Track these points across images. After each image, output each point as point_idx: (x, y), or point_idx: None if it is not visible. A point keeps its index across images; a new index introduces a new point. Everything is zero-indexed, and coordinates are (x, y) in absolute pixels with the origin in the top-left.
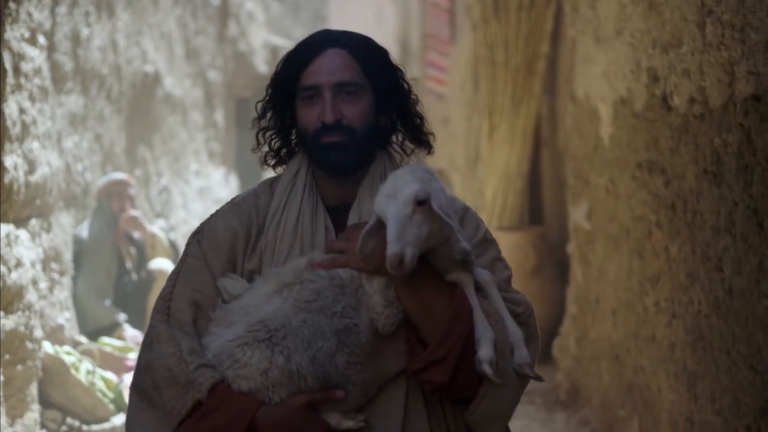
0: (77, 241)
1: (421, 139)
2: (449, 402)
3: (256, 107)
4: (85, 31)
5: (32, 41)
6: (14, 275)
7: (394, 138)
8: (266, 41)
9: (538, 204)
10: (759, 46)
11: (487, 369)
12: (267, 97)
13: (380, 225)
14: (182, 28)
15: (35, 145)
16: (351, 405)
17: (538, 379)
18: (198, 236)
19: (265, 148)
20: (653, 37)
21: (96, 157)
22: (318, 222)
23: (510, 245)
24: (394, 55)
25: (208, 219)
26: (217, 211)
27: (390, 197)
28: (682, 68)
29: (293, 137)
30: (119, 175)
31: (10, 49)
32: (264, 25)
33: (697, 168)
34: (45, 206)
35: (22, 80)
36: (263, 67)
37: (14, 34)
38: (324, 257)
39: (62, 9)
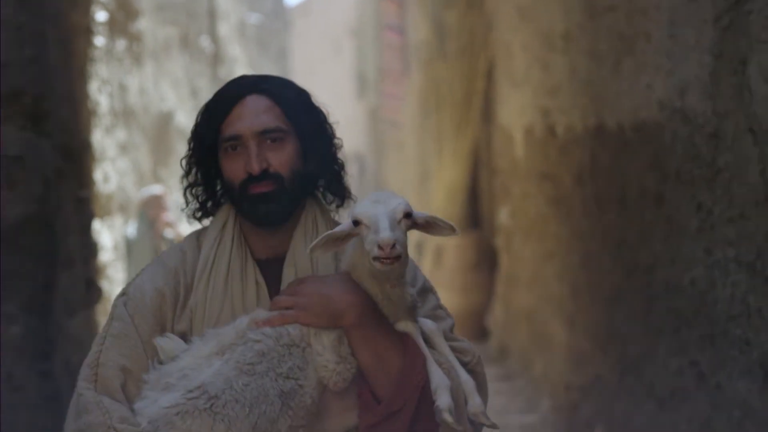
0: (125, 239)
1: (338, 189)
2: None
3: (181, 163)
4: (126, 80)
5: (100, 90)
6: (104, 256)
7: (321, 182)
8: None
9: (477, 212)
10: (598, 97)
11: (447, 417)
12: (189, 152)
13: (347, 236)
14: (186, 72)
15: (105, 165)
16: None
17: (494, 426)
18: (123, 298)
19: (194, 205)
20: (545, 86)
21: (132, 176)
22: (248, 277)
23: (455, 246)
24: (353, 86)
25: (134, 279)
26: (143, 270)
27: (377, 202)
28: (560, 108)
29: (218, 188)
30: (156, 190)
31: (90, 98)
32: (246, 65)
33: (570, 175)
34: (109, 210)
35: (98, 120)
36: None
37: (92, 87)
38: (269, 314)
39: (113, 63)
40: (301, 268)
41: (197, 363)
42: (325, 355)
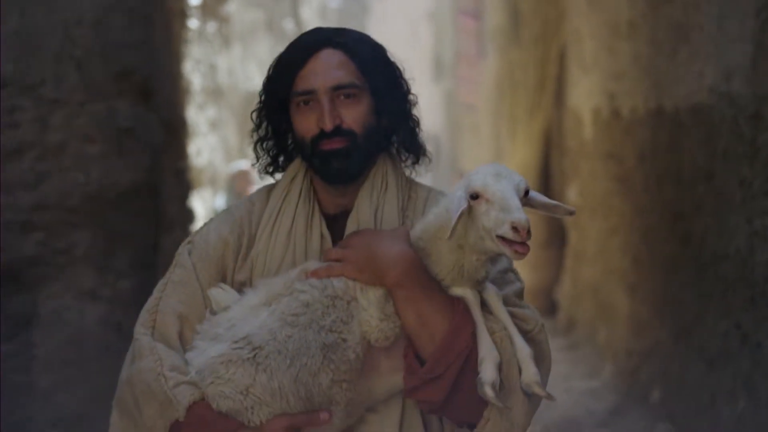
0: (214, 211)
1: (412, 145)
2: (452, 425)
3: (251, 116)
4: (215, 60)
5: (194, 71)
6: (197, 224)
7: (395, 139)
8: None
9: (548, 191)
10: (658, 82)
11: (488, 392)
12: (260, 104)
13: (465, 213)
14: (271, 53)
15: (197, 140)
16: (336, 427)
17: (549, 398)
18: (189, 246)
19: (266, 159)
20: (611, 71)
21: (221, 151)
22: (313, 230)
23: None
24: (428, 69)
25: (201, 228)
26: (211, 219)
27: (499, 176)
28: (625, 91)
29: (290, 142)
30: (244, 165)
31: (184, 77)
32: None
33: (633, 155)
34: (200, 183)
35: (191, 97)
36: None
37: (186, 66)
38: (319, 265)
39: (204, 45)
40: (363, 224)
41: (245, 314)
42: (370, 310)
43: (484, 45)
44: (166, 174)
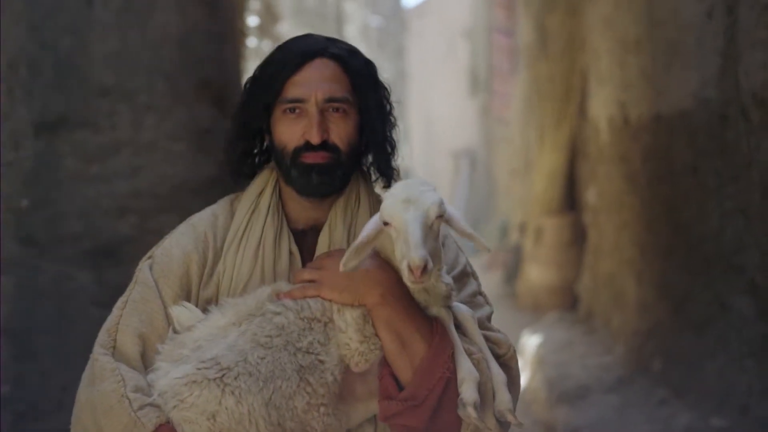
0: None
1: (385, 168)
2: None
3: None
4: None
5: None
6: None
7: (368, 157)
8: None
9: (573, 195)
10: (657, 91)
11: (471, 412)
12: (241, 106)
13: (377, 235)
14: None
15: None
16: None
17: (519, 425)
18: (149, 261)
19: (235, 164)
20: (622, 82)
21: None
22: (282, 247)
23: (553, 226)
24: (464, 84)
25: (161, 242)
26: (172, 232)
27: (408, 203)
28: (633, 100)
29: (257, 149)
30: None
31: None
32: None
33: (639, 156)
34: None
35: None
36: None
37: (252, 65)
38: (291, 287)
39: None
40: (335, 240)
41: (213, 334)
42: (348, 332)
43: (517, 61)
44: None
